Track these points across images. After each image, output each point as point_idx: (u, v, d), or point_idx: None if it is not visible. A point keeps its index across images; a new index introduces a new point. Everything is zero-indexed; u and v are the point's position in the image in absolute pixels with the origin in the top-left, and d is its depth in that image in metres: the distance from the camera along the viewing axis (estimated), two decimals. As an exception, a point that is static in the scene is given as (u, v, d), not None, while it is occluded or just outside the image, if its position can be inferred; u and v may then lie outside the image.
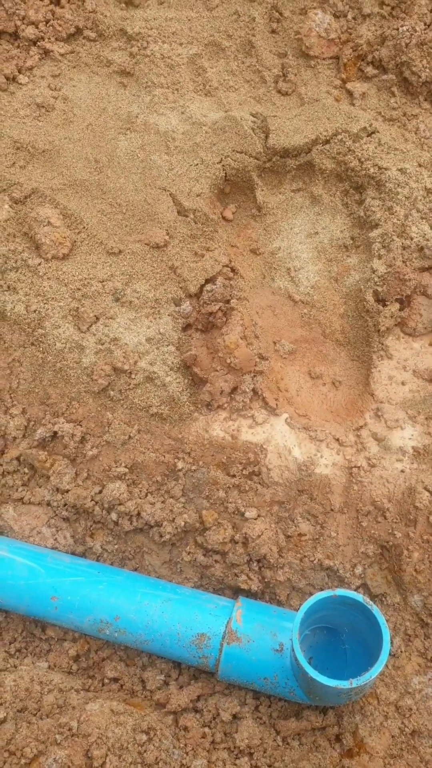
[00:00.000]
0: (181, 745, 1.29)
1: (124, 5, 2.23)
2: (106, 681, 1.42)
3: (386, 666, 1.41)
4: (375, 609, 1.22)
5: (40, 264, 1.66)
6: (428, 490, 1.44)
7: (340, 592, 1.25)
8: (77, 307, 1.63)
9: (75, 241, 1.72)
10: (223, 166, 1.84)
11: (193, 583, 1.51)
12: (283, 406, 1.56)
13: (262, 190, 1.86)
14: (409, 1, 1.98)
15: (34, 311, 1.63)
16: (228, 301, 1.60)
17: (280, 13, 2.10)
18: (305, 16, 2.07)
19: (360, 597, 1.24)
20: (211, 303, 1.60)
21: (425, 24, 1.94)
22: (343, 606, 1.28)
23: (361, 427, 1.54)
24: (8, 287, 1.65)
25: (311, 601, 1.23)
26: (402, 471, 1.48)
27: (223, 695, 1.38)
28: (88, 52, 2.11)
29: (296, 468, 1.49)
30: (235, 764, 1.28)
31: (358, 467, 1.49)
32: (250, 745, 1.30)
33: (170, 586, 1.44)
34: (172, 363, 1.59)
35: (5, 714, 1.26)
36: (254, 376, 1.55)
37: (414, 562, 1.43)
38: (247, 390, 1.54)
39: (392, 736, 1.34)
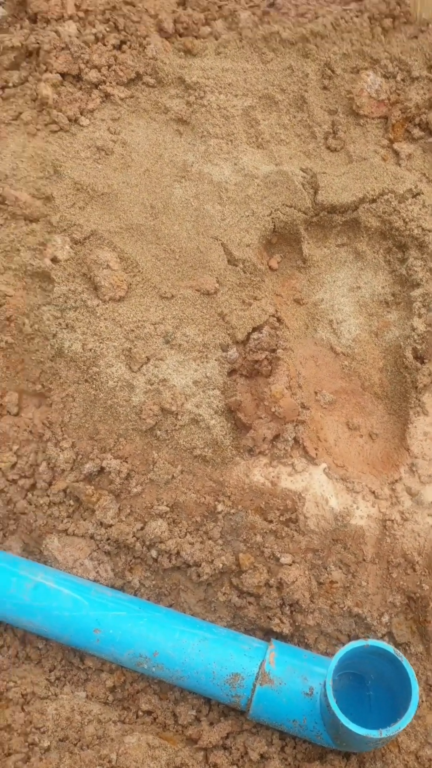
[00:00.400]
0: (211, 781, 1.35)
1: (183, 54, 2.32)
2: (140, 713, 1.48)
3: (409, 715, 1.47)
4: (405, 661, 1.28)
5: (98, 305, 1.74)
6: (458, 549, 1.51)
7: (372, 642, 1.30)
8: (130, 348, 1.71)
9: (130, 284, 1.80)
10: (273, 218, 1.91)
11: (226, 622, 1.57)
12: (322, 455, 1.63)
13: (308, 243, 1.94)
14: (458, 68, 2.06)
15: (90, 350, 1.70)
16: (274, 350, 1.67)
17: (332, 71, 2.19)
18: (357, 75, 2.15)
19: (391, 648, 1.30)
20: (258, 351, 1.67)
21: (473, 92, 2.01)
22: (373, 655, 1.34)
23: (396, 481, 1.60)
24: (67, 325, 1.73)
25: (345, 649, 1.29)
26: (433, 527, 1.54)
27: (251, 734, 1.44)
28: (146, 98, 2.20)
29: (332, 518, 1.56)
30: (262, 802, 1.34)
31: (392, 520, 1.55)
32: (277, 785, 1.36)
33: (207, 626, 1.50)
34: (217, 407, 1.66)
35: (49, 743, 1.32)
36: (296, 425, 1.61)
37: (440, 615, 1.49)
38: (289, 438, 1.60)
39: (412, 785, 1.40)
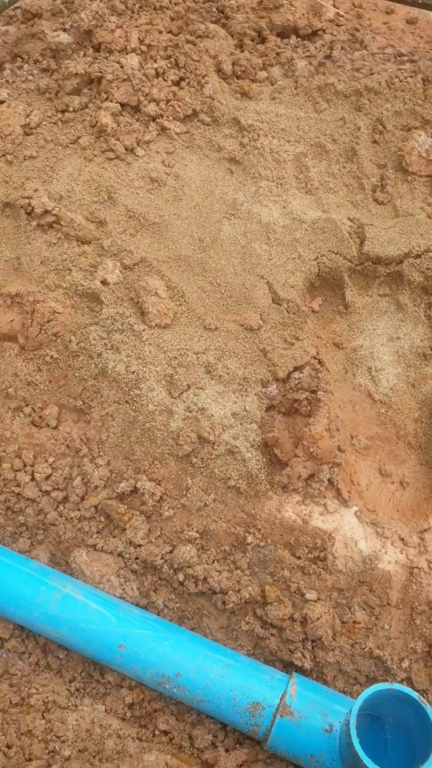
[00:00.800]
0: (226, 807, 1.37)
1: (239, 96, 2.43)
2: (157, 732, 1.51)
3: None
4: (428, 708, 1.32)
5: (144, 330, 1.81)
6: None
7: (397, 686, 1.35)
8: (172, 374, 1.77)
9: (176, 313, 1.86)
10: (318, 263, 2.00)
11: (247, 651, 1.61)
12: (354, 498, 1.68)
13: (351, 290, 2.01)
14: None
15: (133, 372, 1.76)
16: (314, 392, 1.73)
17: (384, 126, 2.29)
18: (408, 133, 2.26)
19: (416, 695, 1.34)
20: (298, 390, 1.73)
21: None
22: (395, 699, 1.38)
23: (426, 530, 1.66)
24: (112, 347, 1.79)
25: (371, 690, 1.34)
26: (458, 577, 1.59)
27: (266, 764, 1.47)
28: (201, 135, 2.30)
29: (360, 560, 1.60)
30: None
31: (419, 568, 1.60)
32: None
33: (230, 653, 1.55)
34: (254, 440, 1.72)
35: (69, 752, 1.35)
36: (332, 467, 1.67)
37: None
38: (324, 479, 1.66)
39: None
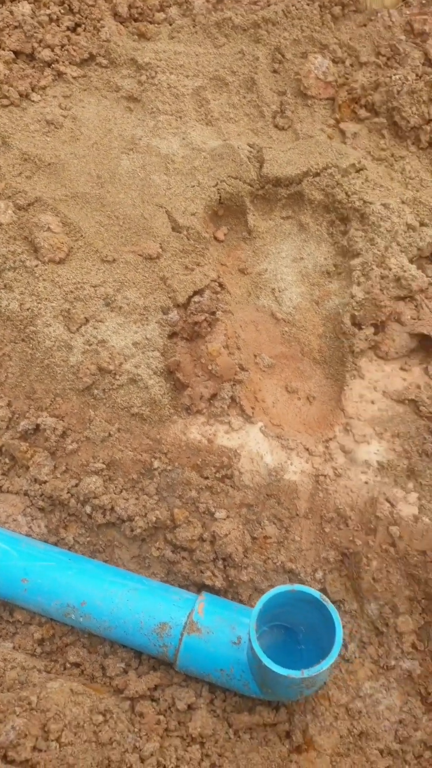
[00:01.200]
0: (136, 730, 1.33)
1: (136, 37, 2.37)
2: (68, 665, 1.46)
3: (340, 670, 1.47)
4: (330, 605, 1.29)
5: (36, 266, 1.75)
6: (389, 502, 1.52)
7: (299, 587, 1.31)
8: (69, 309, 1.71)
9: (72, 248, 1.81)
10: (218, 189, 1.95)
11: (160, 578, 1.56)
12: (258, 415, 1.64)
13: (254, 215, 1.97)
14: (404, 53, 2.12)
15: (27, 309, 1.71)
16: (214, 313, 1.68)
17: (282, 55, 2.24)
18: (305, 59, 2.21)
19: (317, 593, 1.30)
20: (198, 313, 1.68)
21: (417, 75, 2.07)
22: (301, 602, 1.34)
23: (331, 439, 1.61)
24: (4, 285, 1.73)
25: (270, 593, 1.30)
26: (366, 482, 1.55)
27: (180, 686, 1.43)
28: (99, 77, 2.24)
29: (266, 473, 1.56)
30: (187, 751, 1.32)
31: (325, 476, 1.56)
32: (203, 735, 1.34)
33: (138, 578, 1.50)
34: (156, 367, 1.67)
35: (-33, 685, 1.30)
36: (233, 384, 1.62)
37: (372, 570, 1.49)
38: (226, 397, 1.61)
39: (340, 736, 1.39)
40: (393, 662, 1.49)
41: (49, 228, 1.80)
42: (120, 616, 1.41)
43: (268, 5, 2.38)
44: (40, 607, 1.45)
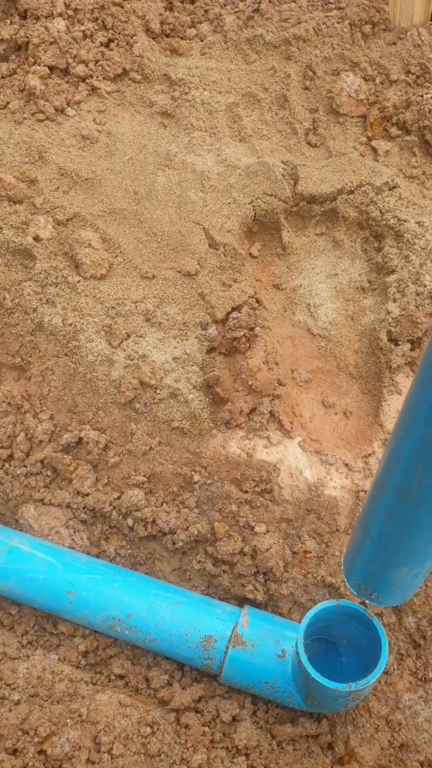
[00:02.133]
0: (182, 741, 1.35)
1: (168, 53, 2.39)
2: (113, 677, 1.48)
3: (379, 682, 1.48)
4: (375, 620, 1.30)
5: (78, 282, 1.77)
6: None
7: (344, 602, 1.32)
8: (110, 324, 1.73)
9: (112, 264, 1.83)
10: (254, 206, 1.96)
11: (201, 590, 1.58)
12: (297, 429, 1.65)
13: (288, 232, 1.98)
14: (434, 72, 2.14)
15: (70, 324, 1.72)
16: (252, 329, 1.70)
17: (314, 72, 2.26)
18: (337, 76, 2.23)
19: (362, 608, 1.31)
20: (237, 329, 1.70)
21: (448, 93, 2.09)
22: (345, 617, 1.35)
23: (369, 455, 1.63)
24: (47, 301, 1.75)
25: (316, 608, 1.31)
26: (405, 498, 1.56)
27: (224, 698, 1.44)
28: (132, 93, 2.26)
29: (306, 488, 1.58)
30: (233, 762, 1.33)
31: (365, 491, 1.57)
32: (248, 746, 1.36)
33: (181, 590, 1.51)
34: (196, 382, 1.69)
35: (19, 697, 1.32)
36: (272, 399, 1.64)
37: (412, 584, 1.50)
38: (265, 412, 1.63)
39: (381, 748, 1.40)
40: (431, 674, 1.50)
41: (90, 244, 1.82)
42: (165, 629, 1.43)
43: (299, 23, 2.40)
44: (86, 619, 1.47)
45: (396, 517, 0.97)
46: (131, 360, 1.70)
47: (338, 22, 2.36)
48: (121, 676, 1.49)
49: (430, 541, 0.99)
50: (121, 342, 1.73)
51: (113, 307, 1.76)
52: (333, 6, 2.51)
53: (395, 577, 1.10)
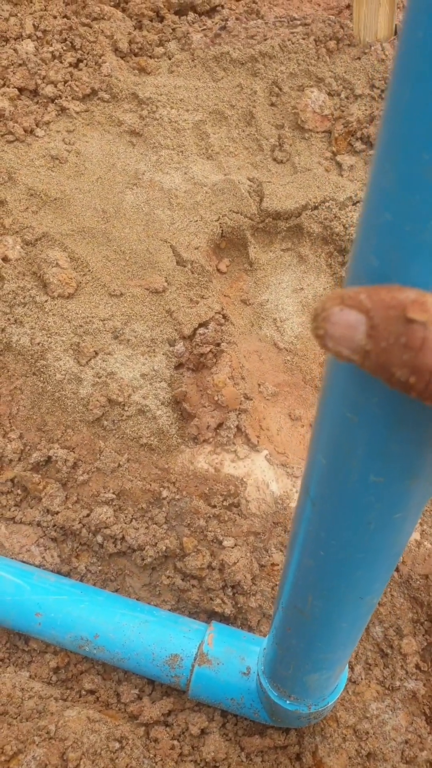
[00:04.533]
0: (151, 755, 1.35)
1: (137, 72, 2.41)
2: (83, 693, 1.48)
3: (347, 692, 1.49)
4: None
5: (46, 301, 1.78)
6: (393, 528, 1.54)
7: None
8: (78, 342, 1.74)
9: (80, 283, 1.84)
10: (220, 223, 1.98)
11: (171, 605, 1.59)
12: (264, 443, 1.67)
13: (255, 248, 2.00)
14: (397, 87, 2.17)
15: (38, 344, 1.74)
16: (218, 344, 1.72)
17: (280, 89, 2.29)
18: (302, 92, 2.25)
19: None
20: (203, 345, 1.72)
21: (410, 108, 2.11)
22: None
23: (334, 467, 1.64)
24: (15, 321, 1.76)
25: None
26: (370, 509, 1.58)
27: (193, 711, 1.45)
28: (101, 112, 2.28)
29: (273, 501, 1.59)
30: (201, 776, 1.34)
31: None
32: (216, 759, 1.37)
33: (148, 609, 1.52)
34: (164, 398, 1.70)
35: (-13, 716, 1.32)
36: (239, 413, 1.65)
37: (377, 595, 1.52)
38: (232, 426, 1.64)
39: (349, 758, 1.41)
40: (398, 683, 1.51)
41: (57, 263, 1.83)
42: (132, 648, 1.44)
43: (265, 39, 2.43)
44: (55, 639, 1.48)
45: (298, 632, 1.03)
46: (99, 378, 1.72)
47: (303, 39, 2.39)
48: (91, 692, 1.50)
49: (333, 651, 1.05)
50: (89, 360, 1.74)
51: (81, 326, 1.78)
52: (299, 22, 2.55)
53: (309, 682, 1.16)
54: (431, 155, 0.43)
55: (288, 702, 1.24)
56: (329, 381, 0.67)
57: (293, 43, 2.36)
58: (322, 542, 0.82)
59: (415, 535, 1.54)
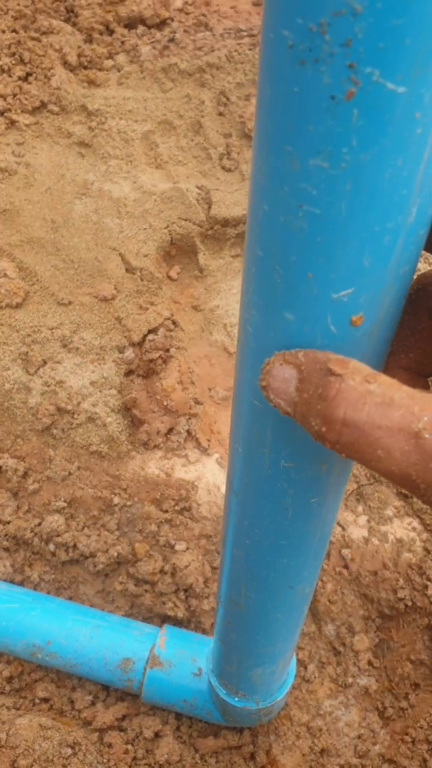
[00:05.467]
0: (104, 760, 1.36)
1: (86, 84, 2.44)
2: (37, 701, 1.48)
3: (301, 690, 1.50)
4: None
5: (-6, 311, 1.78)
6: (340, 525, 1.57)
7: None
8: (27, 352, 1.75)
9: (28, 292, 1.85)
10: (170, 231, 2.00)
11: (124, 611, 1.59)
12: (214, 446, 1.68)
13: (204, 254, 2.03)
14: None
15: (-13, 354, 1.74)
16: (168, 350, 1.73)
17: (227, 98, 2.32)
18: (249, 102, 2.29)
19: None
20: (153, 351, 1.73)
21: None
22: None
23: (284, 467, 1.66)
24: (-37, 331, 1.76)
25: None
26: (319, 508, 1.60)
27: (147, 715, 1.45)
28: (51, 124, 2.30)
29: (224, 504, 1.60)
30: (154, 779, 1.35)
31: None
32: (170, 761, 1.37)
33: (100, 614, 1.52)
34: (114, 405, 1.71)
35: None
36: (189, 418, 1.67)
37: (327, 592, 1.54)
38: (182, 431, 1.66)
39: (303, 755, 1.43)
40: (350, 680, 1.53)
41: (5, 274, 1.84)
42: (85, 654, 1.44)
43: (212, 51, 2.47)
44: (7, 648, 1.47)
45: (237, 626, 1.05)
46: (48, 386, 1.72)
47: (249, 49, 2.43)
48: (45, 699, 1.49)
49: (272, 644, 1.07)
50: (38, 369, 1.75)
51: (29, 335, 1.78)
52: (245, 33, 2.59)
53: (254, 677, 1.18)
54: (293, 147, 0.45)
55: (236, 699, 1.26)
56: (238, 370, 0.69)
57: (240, 54, 2.40)
58: (247, 532, 0.84)
59: (363, 532, 1.56)
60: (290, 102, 0.44)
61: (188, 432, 1.68)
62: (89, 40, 2.61)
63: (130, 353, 1.78)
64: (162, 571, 1.58)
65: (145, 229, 2.02)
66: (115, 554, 1.58)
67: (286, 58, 0.42)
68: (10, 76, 2.38)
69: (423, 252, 0.61)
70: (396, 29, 0.38)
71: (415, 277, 0.55)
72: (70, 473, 1.67)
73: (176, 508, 1.63)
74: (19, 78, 2.38)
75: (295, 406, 0.46)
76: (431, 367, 0.56)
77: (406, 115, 0.43)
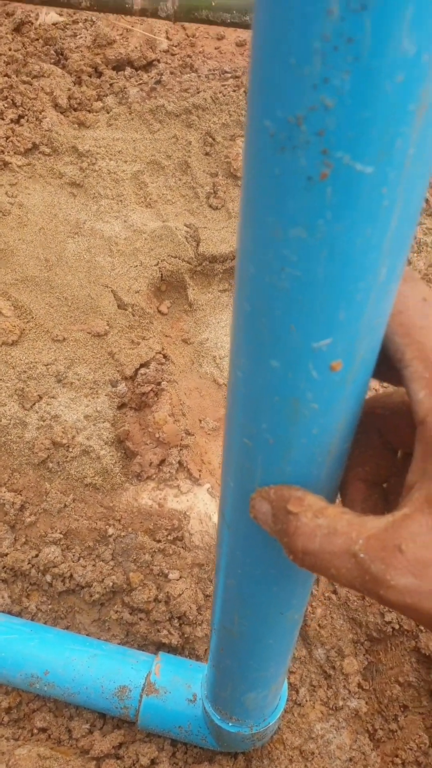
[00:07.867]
0: (102, 788, 1.38)
1: (76, 126, 2.51)
2: (35, 731, 1.51)
3: (293, 714, 1.54)
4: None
5: (-10, 348, 1.83)
6: (329, 552, 1.61)
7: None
8: (23, 388, 1.80)
9: (23, 330, 1.90)
10: (160, 268, 2.07)
11: (120, 639, 1.62)
12: (205, 476, 1.73)
13: (194, 290, 2.09)
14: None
15: (-17, 390, 1.78)
16: (159, 383, 1.78)
17: (213, 139, 2.40)
18: (234, 142, 2.37)
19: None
20: (145, 384, 1.78)
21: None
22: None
23: (273, 496, 1.71)
24: (-40, 368, 1.81)
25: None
26: (308, 536, 1.64)
27: (143, 742, 1.48)
28: (43, 165, 2.37)
29: (215, 533, 1.65)
30: (152, 805, 1.37)
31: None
32: (166, 788, 1.40)
33: (97, 643, 1.56)
34: (107, 438, 1.76)
35: None
36: (180, 449, 1.72)
37: (317, 617, 1.58)
38: (174, 462, 1.70)
39: (296, 779, 1.45)
40: (341, 702, 1.57)
41: (0, 312, 1.89)
42: (82, 683, 1.47)
43: (198, 92, 2.55)
44: (6, 679, 1.50)
45: (230, 652, 1.09)
46: (44, 421, 1.77)
47: (234, 91, 2.52)
48: (43, 729, 1.52)
49: (265, 669, 1.11)
50: (34, 404, 1.79)
51: (25, 371, 1.83)
52: (229, 75, 2.68)
53: (247, 701, 1.22)
54: (275, 219, 0.51)
55: (230, 724, 1.29)
56: (229, 411, 0.74)
57: (224, 95, 2.48)
58: (239, 562, 0.88)
59: (351, 558, 1.61)
60: (272, 181, 0.50)
61: (180, 463, 1.73)
62: (79, 82, 2.69)
63: (122, 387, 1.83)
64: (156, 600, 1.61)
65: (136, 266, 2.08)
66: (111, 584, 1.61)
67: (269, 144, 0.48)
68: (2, 119, 2.45)
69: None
70: (362, 121, 0.44)
71: (366, 399, 0.65)
72: (65, 505, 1.71)
73: (169, 537, 1.67)
74: (12, 120, 2.46)
75: (274, 534, 0.56)
76: (385, 477, 0.66)
77: (374, 191, 0.49)
